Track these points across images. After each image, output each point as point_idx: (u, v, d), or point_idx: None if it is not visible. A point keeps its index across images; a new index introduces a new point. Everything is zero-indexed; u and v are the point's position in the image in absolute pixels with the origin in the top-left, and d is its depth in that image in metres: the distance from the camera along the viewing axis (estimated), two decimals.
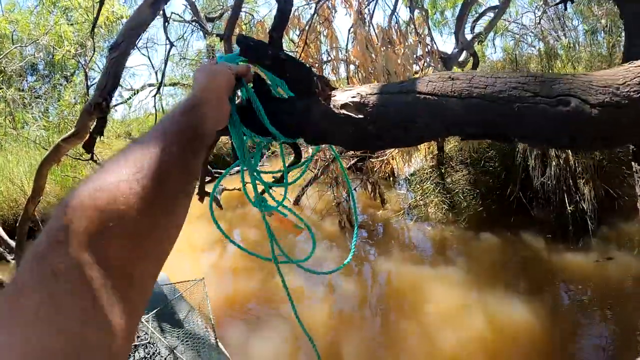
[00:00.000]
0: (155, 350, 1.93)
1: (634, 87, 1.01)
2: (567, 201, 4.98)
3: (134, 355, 1.87)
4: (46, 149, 5.85)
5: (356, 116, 1.07)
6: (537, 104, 1.04)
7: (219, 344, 2.27)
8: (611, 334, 3.42)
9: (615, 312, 3.61)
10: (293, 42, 5.80)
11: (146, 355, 1.90)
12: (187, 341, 2.17)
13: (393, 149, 5.78)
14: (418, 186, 6.25)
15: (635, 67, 1.07)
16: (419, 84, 1.11)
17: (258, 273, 4.85)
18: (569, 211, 4.94)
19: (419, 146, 5.68)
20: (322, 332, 3.72)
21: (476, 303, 3.92)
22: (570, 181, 5.05)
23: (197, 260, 5.48)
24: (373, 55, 4.96)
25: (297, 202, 6.64)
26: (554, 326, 3.50)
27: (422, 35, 5.33)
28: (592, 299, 3.82)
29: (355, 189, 6.45)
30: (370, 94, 1.12)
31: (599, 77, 1.07)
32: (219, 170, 8.28)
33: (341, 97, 1.15)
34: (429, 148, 6.21)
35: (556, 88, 1.05)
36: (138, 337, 1.93)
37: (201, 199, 5.39)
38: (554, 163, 5.09)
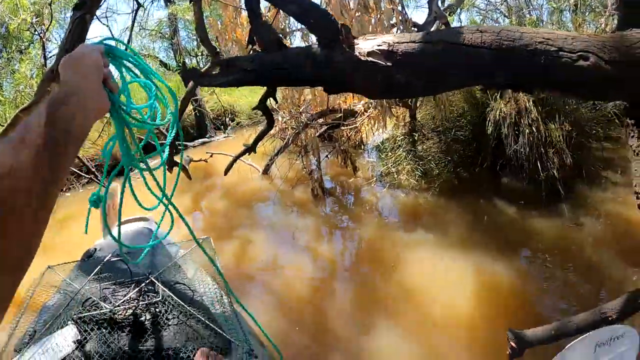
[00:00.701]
0: (167, 309, 1.91)
1: (638, 50, 1.08)
2: (539, 169, 5.13)
3: (145, 315, 1.84)
4: (2, 125, 5.63)
5: (384, 64, 1.05)
6: (560, 57, 1.08)
7: (232, 301, 2.26)
8: (576, 295, 3.57)
9: (582, 274, 3.78)
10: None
11: (157, 314, 1.88)
12: (197, 299, 2.15)
13: (365, 116, 5.80)
14: (390, 154, 6.27)
15: (637, 32, 1.14)
16: (449, 35, 1.11)
17: (259, 234, 4.92)
18: (541, 178, 5.09)
19: (391, 114, 5.73)
20: (302, 298, 3.76)
21: (451, 264, 4.04)
22: (542, 150, 5.17)
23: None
24: (347, 20, 4.91)
25: (266, 171, 6.60)
26: (525, 285, 3.67)
27: (396, 3, 5.30)
28: (562, 262, 3.98)
29: (327, 156, 6.45)
30: (398, 43, 1.10)
31: (610, 39, 1.14)
32: (186, 143, 8.17)
33: (365, 45, 1.13)
34: (401, 116, 6.26)
35: (577, 45, 1.10)
36: (147, 296, 1.93)
37: (170, 169, 5.30)
38: (527, 131, 5.20)
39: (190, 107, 8.77)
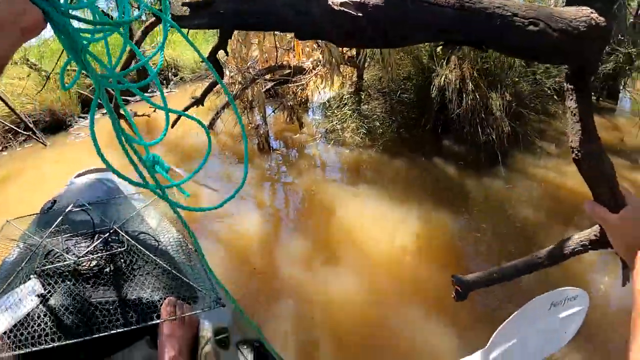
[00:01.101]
0: (132, 259, 1.88)
1: (581, 23, 1.21)
2: (479, 134, 5.39)
3: (110, 266, 1.81)
4: None
5: (355, 14, 1.16)
6: (514, 22, 1.22)
7: (196, 251, 2.10)
8: (509, 248, 3.85)
9: (515, 230, 4.07)
10: None
11: (123, 264, 1.85)
12: (162, 249, 2.11)
13: (313, 74, 5.88)
14: (336, 112, 6.39)
15: (584, 9, 1.28)
16: None
17: (206, 188, 4.91)
18: (481, 143, 5.36)
19: (339, 72, 5.82)
20: (250, 247, 3.89)
21: (391, 215, 4.27)
22: (483, 116, 5.44)
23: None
24: None
25: (211, 126, 6.52)
26: (462, 237, 3.96)
27: None
28: (496, 218, 4.26)
29: (273, 112, 6.48)
30: None
31: (558, 11, 1.28)
32: (127, 98, 7.97)
33: None
34: (349, 75, 6.36)
35: (529, 12, 1.24)
36: (111, 246, 1.88)
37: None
38: (470, 98, 5.43)
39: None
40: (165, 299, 1.69)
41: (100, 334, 1.46)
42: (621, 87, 10.65)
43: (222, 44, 3.06)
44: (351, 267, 3.59)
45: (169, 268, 1.89)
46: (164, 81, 10.25)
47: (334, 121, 6.30)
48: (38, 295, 1.60)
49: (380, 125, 5.97)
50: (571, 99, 1.57)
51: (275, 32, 5.82)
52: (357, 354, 2.89)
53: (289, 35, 5.77)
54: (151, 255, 1.88)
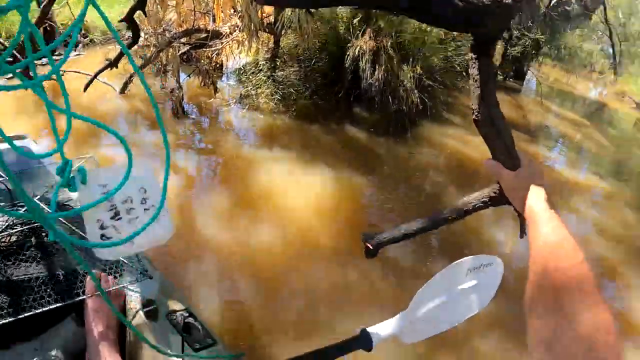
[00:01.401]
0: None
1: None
2: (390, 103, 5.65)
3: (31, 241, 1.73)
4: None
5: None
6: None
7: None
8: (414, 210, 4.12)
9: (421, 192, 4.42)
10: None
11: (45, 238, 1.76)
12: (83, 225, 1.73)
13: (230, 38, 5.89)
14: (251, 77, 6.45)
15: None
16: None
17: (121, 152, 4.71)
18: (392, 111, 5.62)
19: (257, 38, 5.86)
20: (170, 210, 3.88)
21: (304, 176, 4.48)
22: (394, 82, 5.73)
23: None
24: None
25: (123, 90, 6.41)
26: (370, 197, 4.28)
27: None
28: (404, 182, 4.53)
29: (188, 76, 6.41)
30: None
31: None
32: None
33: None
34: (265, 42, 6.41)
35: None
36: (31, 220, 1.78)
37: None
38: (382, 68, 5.67)
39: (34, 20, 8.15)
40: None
41: (25, 314, 1.41)
42: (525, 69, 11.41)
43: (140, 5, 3.05)
44: (270, 224, 3.73)
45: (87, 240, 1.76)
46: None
47: (249, 87, 6.34)
48: None
49: (295, 92, 6.09)
50: (474, 67, 1.75)
51: None
52: (277, 297, 3.08)
53: None
54: (74, 227, 1.78)
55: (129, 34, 4.50)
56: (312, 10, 5.17)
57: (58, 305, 1.48)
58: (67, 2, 8.79)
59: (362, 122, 5.88)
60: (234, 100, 6.33)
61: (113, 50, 7.17)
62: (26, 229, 1.73)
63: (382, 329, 1.11)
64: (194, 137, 5.47)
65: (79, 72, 6.10)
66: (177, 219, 3.84)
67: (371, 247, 2.17)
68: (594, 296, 0.74)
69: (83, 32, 10.02)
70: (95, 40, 9.59)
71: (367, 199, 4.33)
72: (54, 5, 8.98)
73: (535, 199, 1.03)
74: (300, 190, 4.23)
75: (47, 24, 8.60)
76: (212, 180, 4.65)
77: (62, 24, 9.16)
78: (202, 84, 6.43)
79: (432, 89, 6.13)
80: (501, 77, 10.83)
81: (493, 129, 1.44)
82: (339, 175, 4.51)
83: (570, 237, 0.87)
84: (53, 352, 1.53)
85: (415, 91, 5.78)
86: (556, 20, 10.13)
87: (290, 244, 3.55)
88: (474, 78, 1.74)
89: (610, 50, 17.38)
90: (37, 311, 1.42)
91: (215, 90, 6.35)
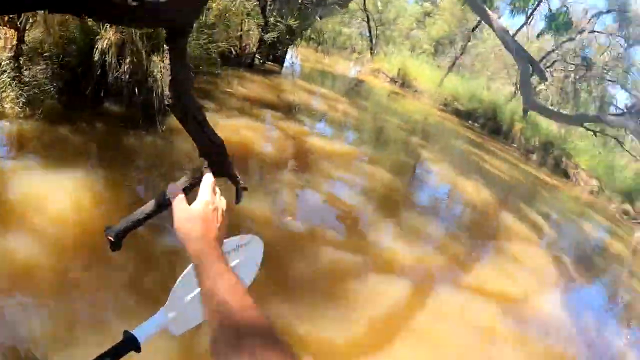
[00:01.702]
0: None
1: None
2: (137, 95, 5.89)
3: None
4: None
5: None
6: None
7: None
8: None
9: (169, 179, 4.76)
10: None
11: None
12: None
13: None
14: None
15: None
16: None
17: None
18: (139, 103, 5.86)
19: None
20: None
21: (62, 182, 4.36)
22: (140, 74, 5.95)
23: None
24: None
25: None
26: (122, 192, 4.45)
27: None
28: (153, 170, 4.85)
29: None
30: None
31: None
32: None
33: None
34: (8, 39, 6.15)
35: None
36: None
37: None
38: (128, 60, 5.86)
39: None
40: None
41: None
42: (283, 53, 12.31)
43: None
44: (27, 236, 3.61)
45: None
46: None
47: None
48: None
49: (40, 92, 5.81)
50: (169, 57, 2.10)
51: None
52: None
53: None
54: None
55: None
56: None
57: None
58: None
59: (113, 117, 5.96)
60: None
61: None
62: None
63: (146, 328, 1.11)
64: None
65: None
66: None
67: (114, 240, 2.43)
68: (274, 337, 0.78)
69: None
70: None
71: (126, 193, 4.46)
72: None
73: (206, 242, 1.02)
74: (59, 195, 4.17)
75: None
76: None
77: None
78: None
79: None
80: (259, 60, 11.35)
81: (183, 111, 1.78)
82: (95, 176, 4.55)
83: (239, 281, 0.91)
84: None
85: (164, 80, 6.00)
86: (310, 8, 11.12)
87: (53, 248, 3.52)
88: (168, 66, 2.11)
89: (368, 34, 19.61)
90: None
91: None
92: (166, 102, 1.82)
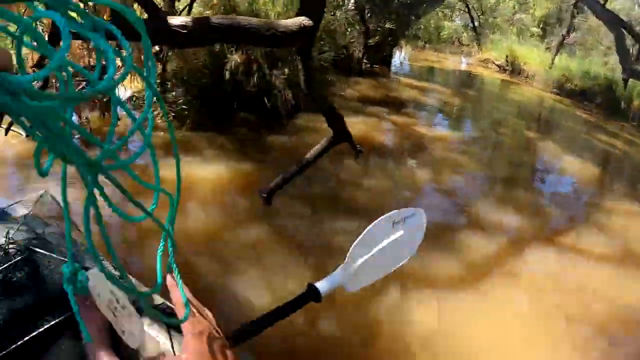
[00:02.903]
0: (35, 265, 1.80)
1: (295, 26, 2.70)
2: (266, 103, 7.14)
3: (15, 275, 1.69)
4: None
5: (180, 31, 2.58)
6: (258, 30, 2.68)
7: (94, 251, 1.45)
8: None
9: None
10: None
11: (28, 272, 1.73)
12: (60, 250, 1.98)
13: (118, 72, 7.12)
14: (144, 102, 7.63)
15: (299, 19, 2.70)
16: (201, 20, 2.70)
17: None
18: (269, 110, 7.12)
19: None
20: None
21: (210, 170, 5.77)
22: (267, 86, 7.22)
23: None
24: None
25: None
26: (261, 177, 5.50)
27: None
28: (285, 161, 5.97)
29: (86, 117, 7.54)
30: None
31: (281, 23, 2.75)
32: None
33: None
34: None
35: (265, 25, 2.69)
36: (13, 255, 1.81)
37: None
38: (255, 76, 7.11)
39: None
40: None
41: (19, 342, 1.39)
42: (388, 54, 13.14)
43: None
44: (197, 200, 5.05)
45: (63, 259, 1.84)
46: None
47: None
48: None
49: (185, 109, 7.29)
50: (301, 63, 3.04)
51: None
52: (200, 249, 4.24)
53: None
54: (53, 255, 1.79)
55: None
56: None
57: (51, 324, 1.50)
58: None
59: (247, 123, 7.26)
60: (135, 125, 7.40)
61: None
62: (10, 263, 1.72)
63: (326, 283, 1.20)
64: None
65: None
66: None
67: (265, 196, 3.38)
68: None
69: None
70: None
71: (262, 176, 5.51)
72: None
73: None
74: (210, 180, 5.50)
75: None
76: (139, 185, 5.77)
77: None
78: (102, 115, 7.58)
79: (298, 86, 7.58)
80: (367, 65, 12.23)
81: (318, 101, 2.66)
82: (237, 167, 5.83)
83: None
84: None
85: (287, 89, 7.17)
86: (407, 9, 11.83)
87: (209, 207, 4.91)
88: (301, 69, 3.05)
89: (471, 24, 19.63)
90: (28, 337, 1.42)
91: (117, 117, 7.51)
92: (303, 93, 2.73)
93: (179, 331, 1.26)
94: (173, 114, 7.25)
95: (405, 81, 11.09)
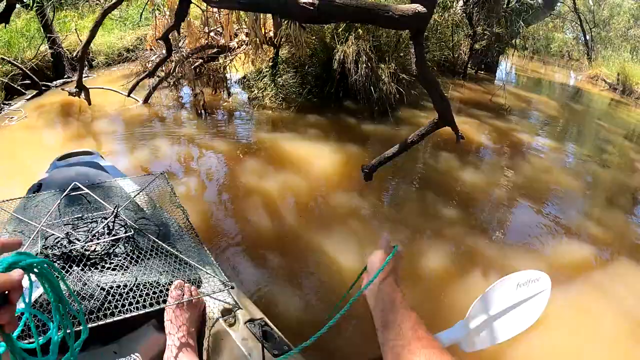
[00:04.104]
0: (137, 243, 1.95)
1: (411, 11, 3.22)
2: (373, 94, 7.68)
3: (114, 251, 1.86)
4: None
5: (309, 7, 3.15)
6: (379, 11, 3.22)
7: (198, 237, 2.33)
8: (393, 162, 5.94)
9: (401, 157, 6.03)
10: None
11: (129, 248, 1.90)
12: (164, 234, 2.20)
13: (240, 51, 7.88)
14: (255, 84, 8.29)
15: (414, 5, 3.10)
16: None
17: (216, 165, 5.89)
18: (374, 100, 7.63)
19: (262, 50, 7.81)
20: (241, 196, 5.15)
21: (314, 150, 6.26)
22: (374, 78, 7.69)
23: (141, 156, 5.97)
24: None
25: (146, 100, 7.88)
26: (361, 159, 5.90)
27: None
28: (386, 146, 6.39)
29: (201, 91, 8.20)
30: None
31: (399, 7, 3.24)
32: (47, 84, 8.97)
33: None
34: (266, 54, 8.34)
35: (384, 7, 3.19)
36: (116, 231, 2.00)
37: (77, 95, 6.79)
38: (363, 67, 7.62)
39: (44, 47, 9.35)
40: (172, 282, 1.81)
41: (114, 319, 1.50)
42: (493, 60, 13.29)
43: (176, 26, 4.93)
44: (300, 177, 5.46)
45: (175, 252, 1.98)
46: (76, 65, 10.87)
47: (255, 91, 8.21)
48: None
49: (294, 92, 7.94)
50: (413, 48, 3.53)
51: (209, 16, 7.74)
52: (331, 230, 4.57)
53: (222, 16, 7.67)
54: (156, 239, 1.97)
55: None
56: (304, 24, 7.10)
57: (140, 312, 1.58)
58: (76, 28, 10.44)
59: (351, 111, 7.73)
60: (244, 103, 8.21)
61: (116, 72, 9.48)
62: (111, 239, 1.91)
63: (445, 336, 1.22)
64: (220, 128, 7.13)
65: (101, 88, 7.94)
66: (247, 178, 5.36)
67: (367, 171, 3.76)
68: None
69: (91, 56, 11.60)
70: (99, 64, 11.01)
71: (365, 156, 5.99)
72: (61, 32, 10.52)
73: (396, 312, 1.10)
74: (313, 157, 5.92)
75: (53, 50, 9.94)
76: (249, 155, 6.15)
77: (67, 50, 10.64)
78: (214, 91, 8.31)
79: (407, 81, 7.97)
80: (472, 69, 12.54)
81: (425, 80, 2.88)
82: (339, 147, 6.24)
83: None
84: (132, 356, 1.66)
85: (392, 83, 7.61)
86: (518, 14, 11.89)
87: (316, 184, 5.29)
88: (413, 53, 3.53)
89: (583, 38, 19.12)
90: (124, 316, 1.53)
91: (229, 94, 8.28)
92: (414, 75, 3.07)
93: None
94: (282, 96, 7.95)
95: (510, 89, 11.19)
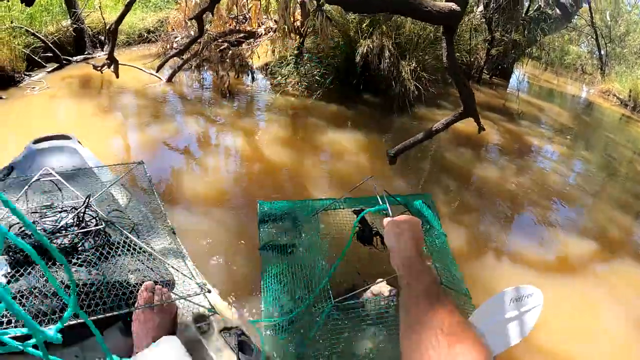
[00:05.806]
0: (108, 238, 1.84)
1: (446, 8, 3.63)
2: (393, 87, 8.09)
3: (83, 245, 1.75)
4: None
5: None
6: (417, 5, 3.67)
7: (174, 233, 2.27)
8: (417, 149, 6.32)
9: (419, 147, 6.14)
10: None
11: (99, 242, 1.80)
12: (138, 230, 2.09)
13: (266, 37, 8.29)
14: (279, 70, 8.64)
15: (449, 4, 3.56)
16: None
17: (200, 156, 5.78)
18: (394, 94, 8.04)
19: (289, 37, 8.20)
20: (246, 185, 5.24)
21: (333, 134, 6.66)
22: (395, 73, 8.07)
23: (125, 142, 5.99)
24: None
25: (170, 79, 8.19)
26: (383, 145, 6.25)
27: None
28: (403, 138, 6.74)
29: (226, 73, 8.55)
30: None
31: (436, 3, 3.72)
32: (68, 58, 9.24)
33: None
34: (293, 41, 8.71)
35: (423, 1, 3.69)
36: (86, 223, 1.88)
37: (107, 67, 7.12)
38: (385, 61, 8.00)
39: (65, 22, 9.62)
40: (142, 282, 1.71)
41: (77, 321, 1.31)
42: (509, 67, 13.61)
43: (210, 8, 5.34)
44: (325, 157, 5.91)
45: (148, 249, 1.88)
46: (98, 44, 10.65)
47: (278, 77, 8.58)
48: (4, 275, 1.53)
49: (316, 82, 8.30)
50: (444, 44, 3.96)
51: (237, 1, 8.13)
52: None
53: (251, 2, 8.03)
54: (129, 234, 1.86)
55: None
56: (330, 17, 7.48)
57: (107, 315, 1.50)
58: (100, 6, 10.74)
59: (371, 104, 8.14)
60: (267, 88, 8.58)
61: (136, 51, 9.76)
62: (80, 232, 1.79)
63: None
64: (246, 110, 7.49)
65: (126, 65, 8.14)
66: (270, 153, 5.64)
67: (393, 154, 4.10)
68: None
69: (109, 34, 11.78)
70: (119, 42, 11.22)
71: (384, 145, 6.33)
72: (84, 9, 10.79)
73: (414, 253, 1.29)
74: (335, 142, 6.28)
75: (76, 26, 10.19)
76: (274, 134, 6.51)
77: (89, 27, 10.92)
78: (237, 75, 8.66)
79: (426, 80, 8.29)
80: (487, 74, 12.94)
81: (454, 73, 3.31)
82: (358, 135, 6.61)
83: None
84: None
85: (411, 80, 7.93)
86: (536, 22, 12.29)
87: (336, 167, 5.61)
88: (445, 49, 3.97)
89: (597, 52, 19.30)
90: (81, 320, 1.24)
91: (253, 79, 8.68)
92: (445, 66, 3.51)
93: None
94: (305, 84, 8.36)
95: (523, 97, 11.51)
